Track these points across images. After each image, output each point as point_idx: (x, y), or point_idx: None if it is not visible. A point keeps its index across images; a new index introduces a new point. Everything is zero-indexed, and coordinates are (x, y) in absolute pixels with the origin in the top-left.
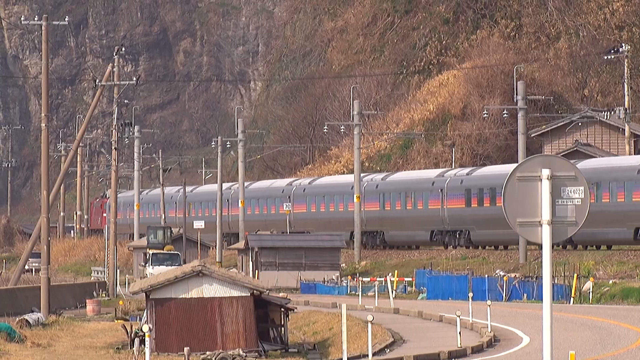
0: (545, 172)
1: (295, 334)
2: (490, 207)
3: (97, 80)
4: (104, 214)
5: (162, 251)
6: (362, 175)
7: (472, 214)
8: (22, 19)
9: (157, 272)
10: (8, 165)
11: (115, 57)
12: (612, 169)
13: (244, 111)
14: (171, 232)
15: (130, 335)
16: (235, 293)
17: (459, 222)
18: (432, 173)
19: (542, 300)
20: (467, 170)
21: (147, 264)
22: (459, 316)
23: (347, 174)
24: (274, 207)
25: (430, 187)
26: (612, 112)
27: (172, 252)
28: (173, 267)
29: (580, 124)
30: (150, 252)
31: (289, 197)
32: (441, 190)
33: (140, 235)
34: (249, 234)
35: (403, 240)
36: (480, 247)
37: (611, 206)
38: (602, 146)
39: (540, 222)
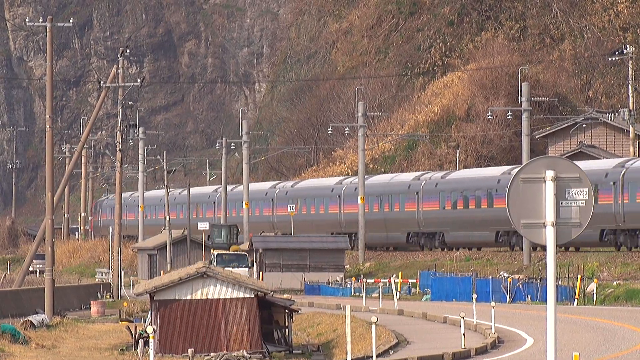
0: (550, 174)
1: (299, 336)
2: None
3: (102, 82)
4: (90, 217)
5: (227, 252)
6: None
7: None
8: (26, 20)
9: None
10: (12, 166)
11: (120, 58)
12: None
13: (248, 113)
14: (237, 231)
15: (135, 336)
16: (239, 294)
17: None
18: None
19: (546, 301)
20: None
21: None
22: (462, 317)
23: (352, 175)
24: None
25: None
26: (617, 114)
27: (238, 252)
28: (240, 269)
29: (584, 125)
30: (215, 252)
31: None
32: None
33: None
34: (254, 235)
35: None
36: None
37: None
38: (606, 147)
39: (544, 223)
